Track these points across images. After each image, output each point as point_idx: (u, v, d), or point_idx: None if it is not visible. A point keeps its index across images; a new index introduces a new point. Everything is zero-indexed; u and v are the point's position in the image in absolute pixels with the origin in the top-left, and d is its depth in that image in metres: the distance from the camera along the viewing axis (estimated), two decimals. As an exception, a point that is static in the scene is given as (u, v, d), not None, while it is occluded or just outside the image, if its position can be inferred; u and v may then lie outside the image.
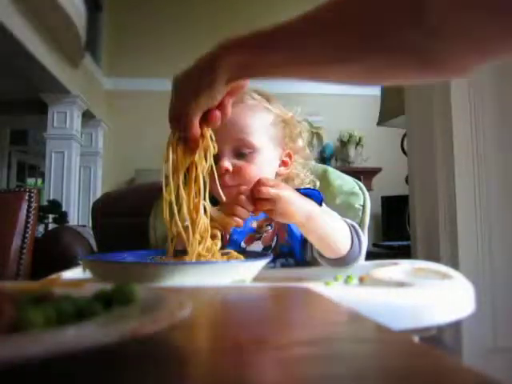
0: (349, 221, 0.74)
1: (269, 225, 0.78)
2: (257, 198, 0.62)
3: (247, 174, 0.73)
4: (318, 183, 0.83)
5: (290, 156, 0.81)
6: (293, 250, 0.77)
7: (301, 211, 0.64)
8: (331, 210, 0.73)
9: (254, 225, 0.78)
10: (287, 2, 4.33)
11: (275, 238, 0.77)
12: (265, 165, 0.76)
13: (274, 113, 0.79)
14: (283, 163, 0.80)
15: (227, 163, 0.73)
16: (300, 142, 0.83)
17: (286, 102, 0.85)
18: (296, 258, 0.77)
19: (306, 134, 0.84)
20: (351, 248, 0.70)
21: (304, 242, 0.77)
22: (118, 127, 4.23)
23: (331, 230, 0.69)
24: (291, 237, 0.77)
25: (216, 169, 0.70)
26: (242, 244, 0.76)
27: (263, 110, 0.78)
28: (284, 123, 0.80)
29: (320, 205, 0.68)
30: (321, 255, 0.72)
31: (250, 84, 0.76)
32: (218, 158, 0.74)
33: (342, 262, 0.71)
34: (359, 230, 0.74)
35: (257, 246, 0.76)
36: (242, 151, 0.75)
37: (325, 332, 0.30)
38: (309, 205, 0.66)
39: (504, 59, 0.40)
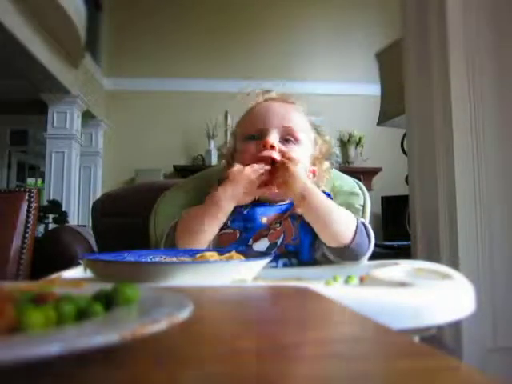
0: (361, 218, 0.76)
1: (278, 223, 0.78)
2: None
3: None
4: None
5: (314, 173, 0.85)
6: (299, 250, 0.77)
7: (300, 183, 0.71)
8: (340, 206, 0.75)
9: (265, 220, 0.78)
10: (285, 3, 4.34)
11: (282, 236, 0.77)
12: (301, 161, 0.79)
13: (314, 133, 0.86)
14: None
15: (274, 140, 0.77)
16: (327, 165, 0.87)
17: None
18: (301, 258, 0.77)
19: (334, 158, 0.90)
20: (354, 239, 0.71)
21: (313, 242, 0.77)
22: (118, 127, 4.23)
23: (332, 213, 0.71)
24: (300, 236, 0.77)
25: (255, 147, 0.77)
26: (250, 241, 0.76)
27: (310, 125, 0.85)
28: (319, 145, 0.86)
29: None
30: (326, 246, 0.72)
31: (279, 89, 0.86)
32: (258, 138, 0.79)
33: (347, 253, 0.71)
34: (369, 228, 0.75)
35: (263, 243, 0.76)
36: (288, 138, 0.79)
37: (325, 332, 0.30)
38: (311, 184, 0.73)
39: None
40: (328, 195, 0.80)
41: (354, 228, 0.72)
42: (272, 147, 0.76)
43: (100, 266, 0.54)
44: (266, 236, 0.77)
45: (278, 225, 0.78)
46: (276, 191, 0.76)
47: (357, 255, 0.72)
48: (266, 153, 0.76)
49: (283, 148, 0.77)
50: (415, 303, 0.45)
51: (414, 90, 1.58)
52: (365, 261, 0.73)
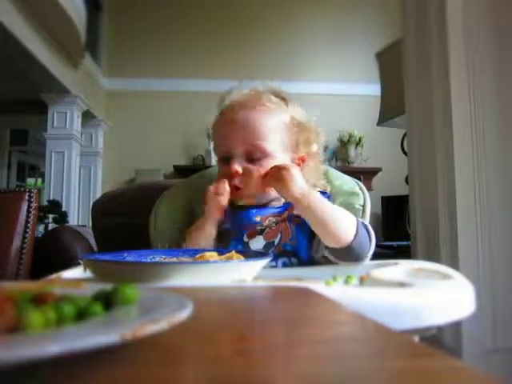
0: (360, 219, 0.76)
1: (274, 222, 0.78)
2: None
3: (256, 177, 0.76)
4: (329, 188, 0.85)
5: (302, 160, 0.82)
6: (297, 250, 0.77)
7: (297, 185, 0.71)
8: (339, 207, 0.75)
9: (258, 219, 0.78)
10: (285, 3, 4.34)
11: (279, 235, 0.77)
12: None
13: (290, 116, 0.81)
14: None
15: (238, 166, 0.77)
16: (314, 147, 0.84)
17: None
18: (300, 258, 0.77)
19: (322, 139, 0.86)
20: (355, 238, 0.70)
21: (310, 243, 0.77)
22: (118, 127, 4.23)
23: (331, 213, 0.71)
24: (297, 237, 0.77)
25: (226, 170, 0.74)
26: (245, 238, 0.77)
27: (279, 114, 0.80)
28: (299, 128, 0.82)
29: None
30: (326, 247, 0.72)
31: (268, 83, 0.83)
32: (228, 160, 0.78)
33: (349, 253, 0.71)
34: (370, 228, 0.75)
35: (259, 241, 0.76)
36: (254, 156, 0.77)
37: (325, 332, 0.30)
38: (308, 187, 0.73)
39: None
40: (324, 194, 0.80)
41: (355, 227, 0.72)
42: (237, 173, 0.77)
43: (100, 266, 0.54)
44: (261, 234, 0.77)
45: (274, 224, 0.78)
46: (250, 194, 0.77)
47: (358, 255, 0.72)
48: (232, 182, 0.77)
49: (251, 168, 0.77)
50: (415, 303, 0.45)
51: (414, 90, 1.58)
52: (366, 261, 0.73)
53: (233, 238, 0.78)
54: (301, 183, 0.72)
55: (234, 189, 0.77)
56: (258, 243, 0.76)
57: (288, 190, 0.71)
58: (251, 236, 0.77)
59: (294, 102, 0.84)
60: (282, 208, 0.80)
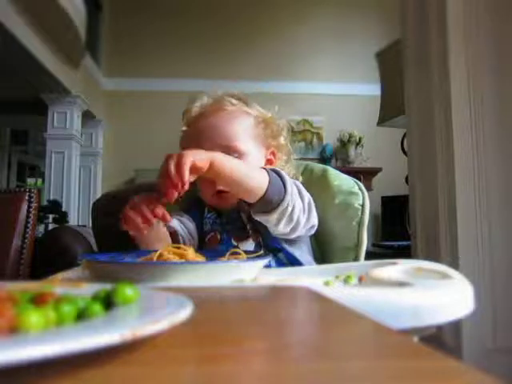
0: (274, 168, 0.72)
1: (251, 222, 0.78)
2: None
3: None
4: (300, 178, 0.85)
5: (273, 154, 0.84)
6: (269, 240, 0.77)
7: (197, 155, 0.67)
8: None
9: (244, 218, 0.78)
10: (285, 3, 4.34)
11: (259, 234, 0.77)
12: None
13: (253, 115, 0.83)
14: (268, 161, 0.83)
15: None
16: (282, 140, 0.86)
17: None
18: (286, 254, 0.76)
19: (285, 130, 0.88)
20: (269, 187, 0.66)
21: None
22: (118, 127, 4.23)
23: (239, 167, 0.67)
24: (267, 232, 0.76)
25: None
26: (233, 241, 0.77)
27: (243, 114, 0.82)
28: (264, 123, 0.83)
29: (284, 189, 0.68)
30: (253, 210, 0.69)
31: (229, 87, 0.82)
32: None
33: (266, 203, 0.67)
34: (284, 175, 0.70)
35: (249, 244, 0.77)
36: (233, 155, 0.76)
37: (325, 332, 0.30)
38: (216, 153, 0.67)
39: None
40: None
41: (266, 176, 0.67)
42: None
43: (99, 267, 0.54)
44: (249, 236, 0.77)
45: (251, 224, 0.78)
46: None
47: (272, 201, 0.67)
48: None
49: None
50: (415, 303, 0.45)
51: (414, 90, 1.58)
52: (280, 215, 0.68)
53: (219, 242, 0.78)
54: (198, 153, 0.68)
55: (217, 194, 0.74)
56: (247, 247, 0.76)
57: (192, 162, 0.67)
58: (240, 240, 0.77)
59: (251, 101, 0.86)
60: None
